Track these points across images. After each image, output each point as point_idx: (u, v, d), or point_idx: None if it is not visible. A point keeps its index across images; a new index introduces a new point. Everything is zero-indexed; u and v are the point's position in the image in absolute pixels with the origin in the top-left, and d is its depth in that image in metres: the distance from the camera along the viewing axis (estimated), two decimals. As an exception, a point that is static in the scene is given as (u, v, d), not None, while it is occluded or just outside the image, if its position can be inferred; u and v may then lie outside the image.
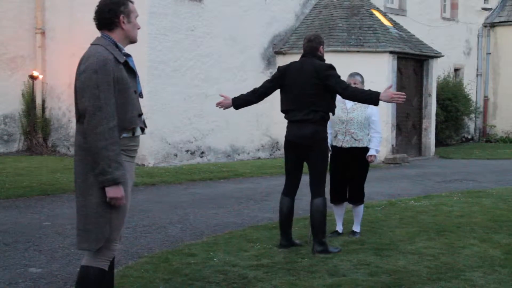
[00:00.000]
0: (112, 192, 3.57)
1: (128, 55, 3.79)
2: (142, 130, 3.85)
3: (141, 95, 3.88)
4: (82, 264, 3.74)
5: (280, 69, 6.35)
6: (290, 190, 6.28)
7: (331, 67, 6.10)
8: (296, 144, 6.12)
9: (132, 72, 3.77)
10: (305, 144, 6.05)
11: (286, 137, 6.23)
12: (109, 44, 3.70)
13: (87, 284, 3.69)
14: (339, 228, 7.01)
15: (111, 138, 3.53)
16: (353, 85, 6.76)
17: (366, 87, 6.79)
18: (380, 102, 5.78)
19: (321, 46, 6.29)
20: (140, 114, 3.79)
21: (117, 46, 3.73)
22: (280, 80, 6.26)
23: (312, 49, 6.23)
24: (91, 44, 3.75)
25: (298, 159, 6.20)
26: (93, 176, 3.58)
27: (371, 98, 5.82)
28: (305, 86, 6.05)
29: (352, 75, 6.96)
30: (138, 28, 3.88)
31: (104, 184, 3.56)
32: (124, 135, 3.70)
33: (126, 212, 3.76)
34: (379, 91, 5.85)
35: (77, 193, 3.69)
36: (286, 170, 6.33)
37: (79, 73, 3.63)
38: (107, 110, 3.54)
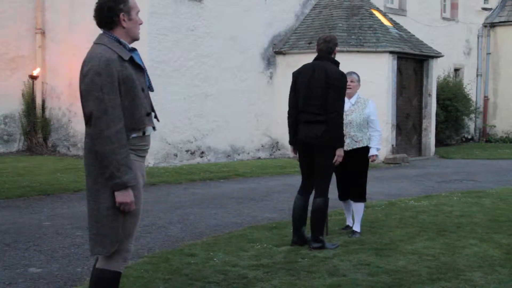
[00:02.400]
0: (121, 196, 3.49)
1: (133, 50, 3.68)
2: (154, 128, 3.76)
3: (151, 89, 3.76)
4: (97, 267, 3.65)
5: (294, 74, 6.44)
6: (304, 190, 6.39)
7: (343, 78, 6.13)
8: (306, 143, 6.21)
9: (138, 67, 3.67)
10: (314, 143, 6.14)
11: (298, 137, 6.32)
12: (111, 42, 3.60)
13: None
14: (349, 222, 7.17)
15: (118, 141, 3.45)
16: (350, 83, 6.84)
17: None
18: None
19: (336, 48, 6.36)
20: (149, 113, 3.68)
21: (120, 43, 3.63)
22: (296, 85, 6.35)
23: (329, 49, 6.27)
24: (94, 43, 3.66)
25: (309, 159, 6.27)
26: (103, 180, 3.50)
27: (335, 139, 6.10)
28: (314, 90, 6.13)
29: (349, 73, 7.00)
30: (140, 24, 3.76)
31: (113, 188, 3.48)
32: (134, 135, 3.60)
33: (140, 213, 3.70)
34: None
35: (89, 197, 3.61)
36: (301, 170, 6.46)
37: (82, 76, 3.54)
38: (113, 112, 3.45)
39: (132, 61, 3.62)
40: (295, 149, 6.41)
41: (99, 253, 3.59)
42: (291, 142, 6.41)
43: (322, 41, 6.30)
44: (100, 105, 3.44)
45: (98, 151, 3.47)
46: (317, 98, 6.09)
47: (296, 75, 6.34)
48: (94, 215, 3.57)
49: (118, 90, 3.49)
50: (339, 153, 6.16)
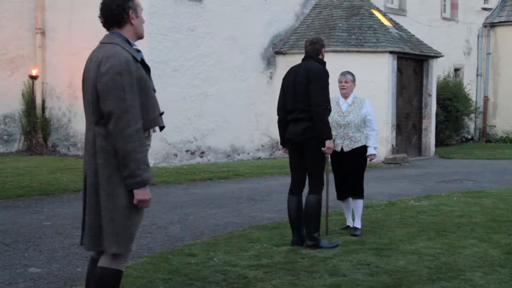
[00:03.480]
0: (140, 194, 3.52)
1: (139, 51, 3.70)
2: (161, 128, 3.78)
3: (154, 90, 3.79)
4: (99, 265, 3.66)
5: (284, 76, 6.53)
6: (294, 188, 6.42)
7: (321, 71, 6.18)
8: (292, 141, 6.31)
9: (147, 68, 3.70)
10: (299, 141, 6.23)
11: (286, 135, 6.41)
12: (123, 42, 3.61)
13: (104, 286, 3.62)
14: (349, 222, 7.18)
15: (138, 140, 3.48)
16: (345, 84, 6.90)
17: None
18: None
19: (323, 49, 6.45)
20: (162, 113, 3.72)
21: (129, 43, 3.65)
22: (284, 86, 6.47)
23: (315, 51, 6.36)
24: (104, 43, 3.65)
25: (298, 157, 6.34)
26: (120, 178, 3.51)
27: (321, 132, 6.09)
28: (297, 88, 6.23)
29: (343, 73, 7.05)
30: (143, 22, 3.79)
31: (133, 186, 3.50)
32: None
33: (143, 212, 3.74)
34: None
35: (101, 196, 3.57)
36: (290, 168, 6.51)
37: (100, 75, 3.51)
38: (134, 111, 3.47)
39: (142, 61, 3.66)
40: (284, 147, 6.57)
41: (114, 252, 3.58)
42: (281, 142, 6.61)
43: (309, 43, 6.42)
44: (121, 104, 3.46)
45: (118, 150, 3.48)
46: (302, 96, 6.18)
47: (285, 77, 6.47)
48: (108, 215, 3.56)
49: (136, 90, 3.52)
50: (328, 144, 6.17)
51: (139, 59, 3.62)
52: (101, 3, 3.69)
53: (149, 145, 3.74)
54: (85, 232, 3.70)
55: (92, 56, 3.66)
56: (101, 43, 3.68)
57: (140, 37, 3.77)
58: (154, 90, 3.77)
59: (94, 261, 3.84)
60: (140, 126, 3.50)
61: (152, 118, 3.64)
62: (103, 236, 3.59)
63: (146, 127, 3.61)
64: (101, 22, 3.71)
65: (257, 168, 13.17)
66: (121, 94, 3.46)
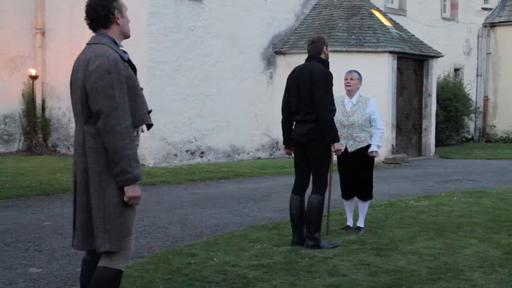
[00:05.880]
0: (131, 191, 3.54)
1: (125, 52, 3.74)
2: (149, 126, 3.80)
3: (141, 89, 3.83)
4: (99, 265, 3.67)
5: (288, 77, 6.53)
6: (297, 188, 6.43)
7: (325, 74, 6.18)
8: (297, 141, 6.32)
9: (134, 68, 3.73)
10: (303, 142, 6.24)
11: (292, 135, 6.42)
12: (110, 42, 3.65)
13: (103, 286, 3.62)
14: (350, 222, 7.19)
15: (129, 137, 3.51)
16: (350, 81, 6.90)
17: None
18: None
19: (325, 47, 6.41)
20: (149, 111, 3.75)
21: (115, 43, 3.69)
22: (288, 87, 6.49)
23: (317, 50, 6.36)
24: (91, 44, 3.68)
25: (303, 157, 6.34)
26: (111, 176, 3.53)
27: (328, 136, 6.09)
28: (302, 90, 6.24)
29: (350, 71, 7.05)
30: (128, 22, 3.82)
31: (124, 183, 3.52)
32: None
33: (136, 209, 3.74)
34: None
35: (92, 195, 3.58)
36: (294, 168, 6.51)
37: (89, 74, 3.54)
38: (123, 109, 3.51)
39: (129, 61, 3.69)
40: (287, 148, 6.56)
41: (107, 249, 3.59)
42: (283, 142, 6.58)
43: (310, 42, 6.44)
44: (111, 102, 3.48)
45: (108, 148, 3.51)
46: (306, 98, 6.19)
47: (289, 78, 6.48)
48: (99, 213, 3.57)
49: (125, 88, 3.55)
50: (338, 147, 6.21)
51: (126, 59, 3.65)
52: (86, 5, 3.72)
53: (137, 144, 3.77)
54: (76, 232, 3.71)
55: (79, 57, 3.70)
56: (88, 44, 3.72)
57: (126, 36, 3.79)
58: (141, 89, 3.80)
59: (86, 263, 3.84)
60: (130, 123, 3.53)
61: (140, 116, 3.67)
62: (94, 235, 3.60)
63: (135, 125, 3.64)
64: (87, 23, 3.74)
65: (257, 168, 13.17)
66: (110, 92, 3.49)
